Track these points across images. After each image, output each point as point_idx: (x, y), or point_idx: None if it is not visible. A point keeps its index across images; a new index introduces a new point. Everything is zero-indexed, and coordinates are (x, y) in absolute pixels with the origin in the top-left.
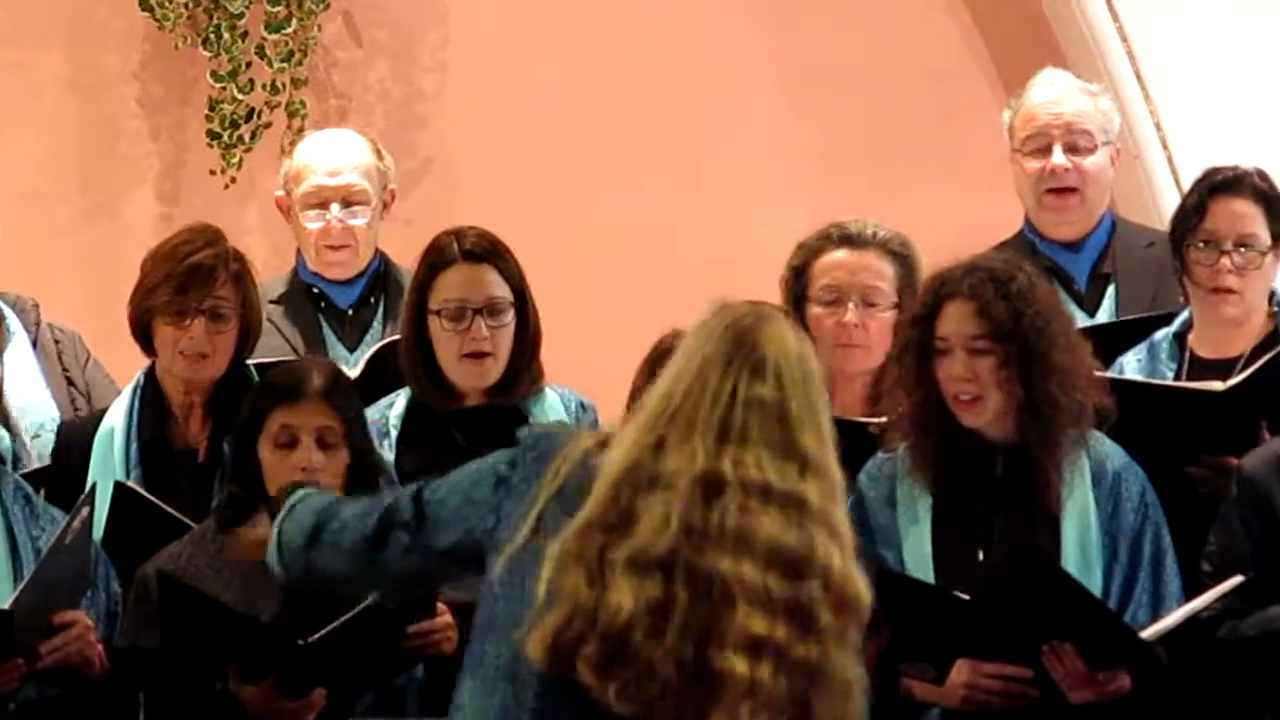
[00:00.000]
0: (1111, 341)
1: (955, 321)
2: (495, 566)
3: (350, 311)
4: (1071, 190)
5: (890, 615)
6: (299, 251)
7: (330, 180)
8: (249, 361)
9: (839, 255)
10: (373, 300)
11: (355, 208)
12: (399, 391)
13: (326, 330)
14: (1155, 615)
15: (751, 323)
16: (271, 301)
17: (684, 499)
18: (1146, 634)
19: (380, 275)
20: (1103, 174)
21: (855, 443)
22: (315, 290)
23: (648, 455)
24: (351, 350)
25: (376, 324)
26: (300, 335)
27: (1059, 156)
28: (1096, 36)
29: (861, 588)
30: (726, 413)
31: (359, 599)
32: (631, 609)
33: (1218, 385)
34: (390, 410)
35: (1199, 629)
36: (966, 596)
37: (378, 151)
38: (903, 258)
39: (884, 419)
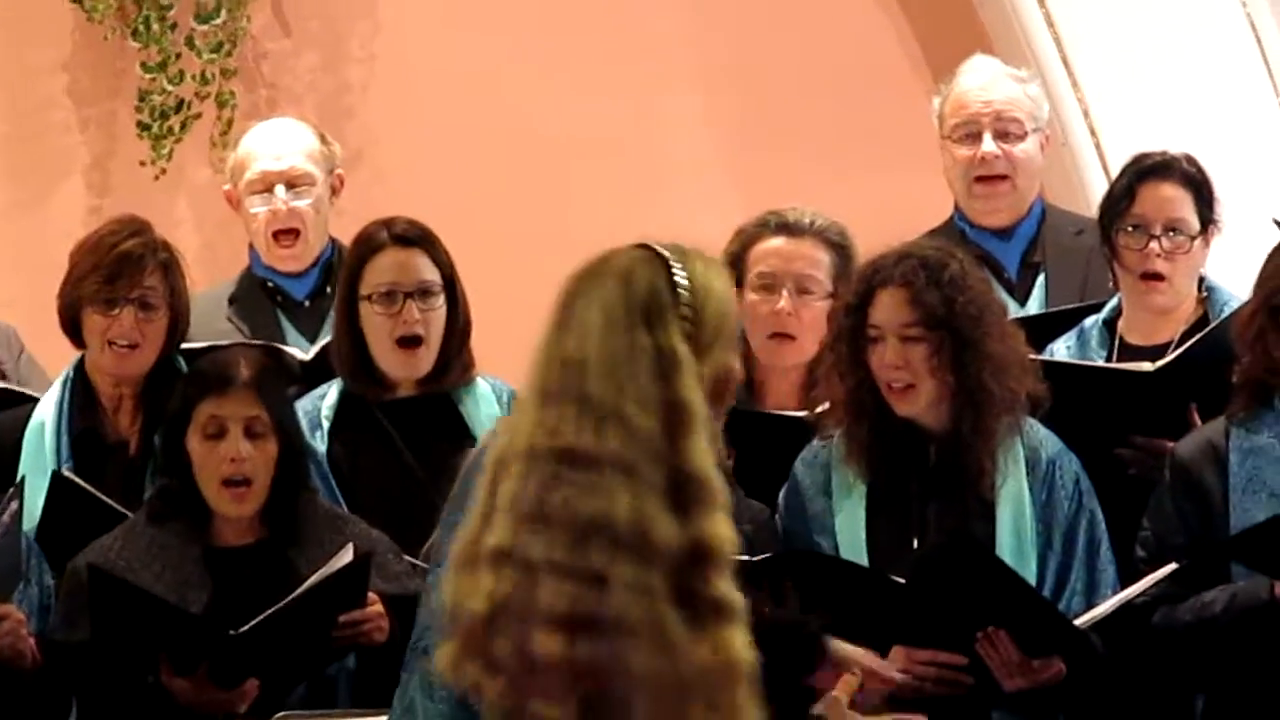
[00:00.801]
0: (1042, 332)
1: (888, 309)
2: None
3: (307, 303)
4: (1002, 178)
5: (824, 600)
6: (251, 247)
7: (274, 165)
8: (182, 346)
9: (775, 243)
10: (329, 289)
11: (300, 189)
12: (331, 382)
13: (284, 324)
14: (1090, 602)
15: (587, 279)
16: (228, 301)
17: (517, 480)
18: (1080, 621)
19: (334, 263)
20: (1032, 161)
21: (791, 434)
22: (270, 284)
23: (507, 445)
24: (312, 342)
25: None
26: (258, 331)
27: (989, 144)
28: (1023, 22)
29: (659, 529)
30: (545, 374)
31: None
32: (486, 607)
33: (1147, 366)
34: (322, 401)
35: (1133, 616)
36: (901, 580)
37: (322, 137)
38: (840, 247)
39: (815, 410)
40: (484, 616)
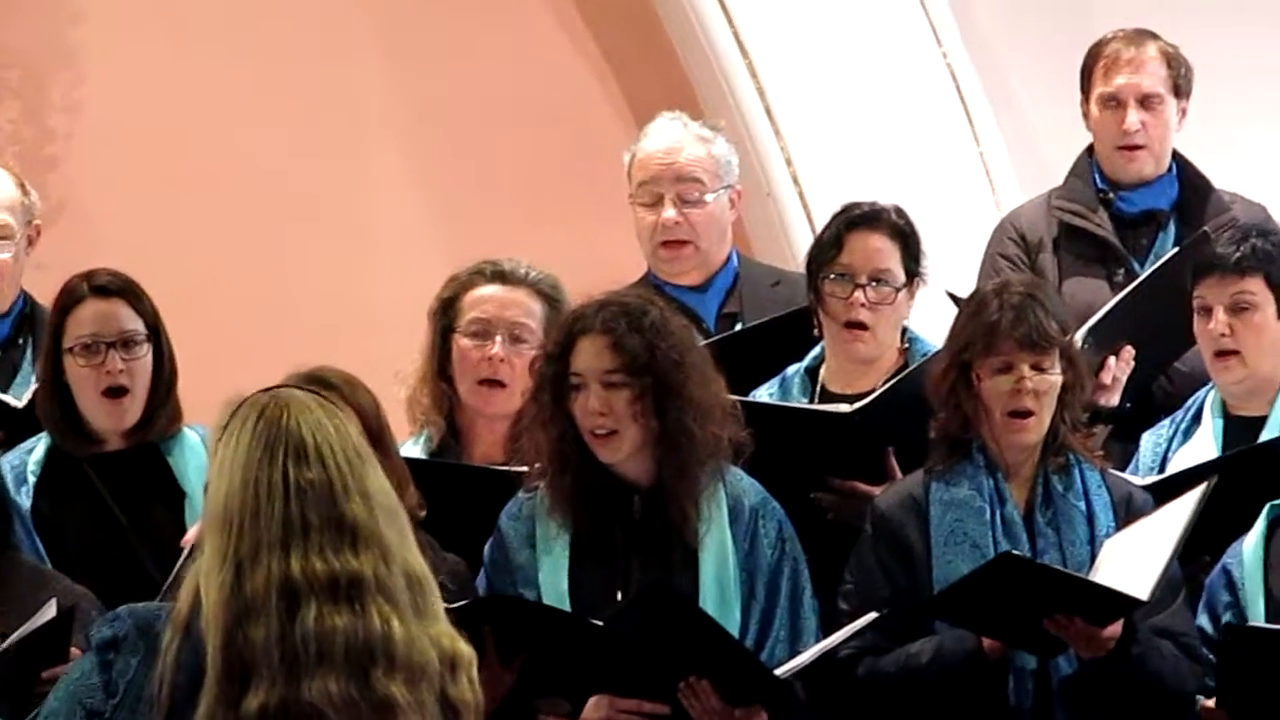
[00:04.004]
0: (741, 353)
1: (590, 356)
2: None
3: None
4: (683, 243)
5: (525, 647)
6: None
7: None
8: None
9: (490, 290)
10: (20, 341)
11: None
12: (39, 436)
13: None
14: (794, 650)
15: (278, 411)
16: None
17: (275, 625)
18: (782, 670)
19: (27, 315)
20: (715, 221)
21: (491, 488)
22: None
23: (234, 593)
24: (3, 390)
25: (26, 364)
26: None
27: (669, 210)
28: (727, 74)
29: (422, 644)
30: (285, 508)
31: None
32: None
33: (845, 408)
34: (29, 456)
35: (837, 666)
36: (599, 622)
37: (21, 186)
38: (552, 300)
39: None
40: None
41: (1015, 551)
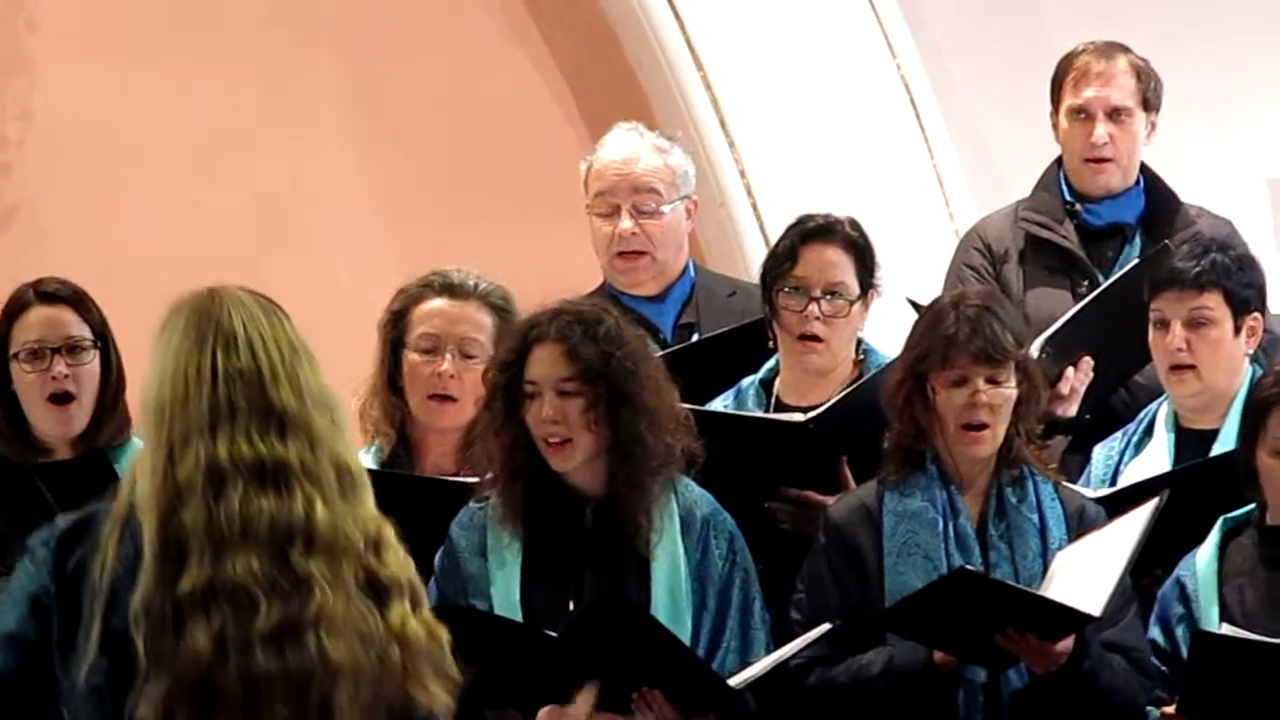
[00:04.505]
0: (696, 365)
1: (544, 364)
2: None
3: None
4: (639, 253)
5: (478, 657)
6: None
7: None
8: None
9: (439, 304)
10: None
11: None
12: None
13: None
14: (744, 661)
15: (211, 303)
16: None
17: (202, 507)
18: (734, 681)
19: None
20: (672, 231)
21: (447, 498)
22: None
23: (167, 477)
24: None
25: None
26: None
27: (625, 221)
28: (681, 85)
29: (347, 525)
30: (213, 394)
31: None
32: (207, 647)
33: (799, 416)
34: None
35: (789, 676)
36: (553, 633)
37: None
38: (503, 311)
39: (477, 477)
40: (208, 659)
41: (970, 566)
